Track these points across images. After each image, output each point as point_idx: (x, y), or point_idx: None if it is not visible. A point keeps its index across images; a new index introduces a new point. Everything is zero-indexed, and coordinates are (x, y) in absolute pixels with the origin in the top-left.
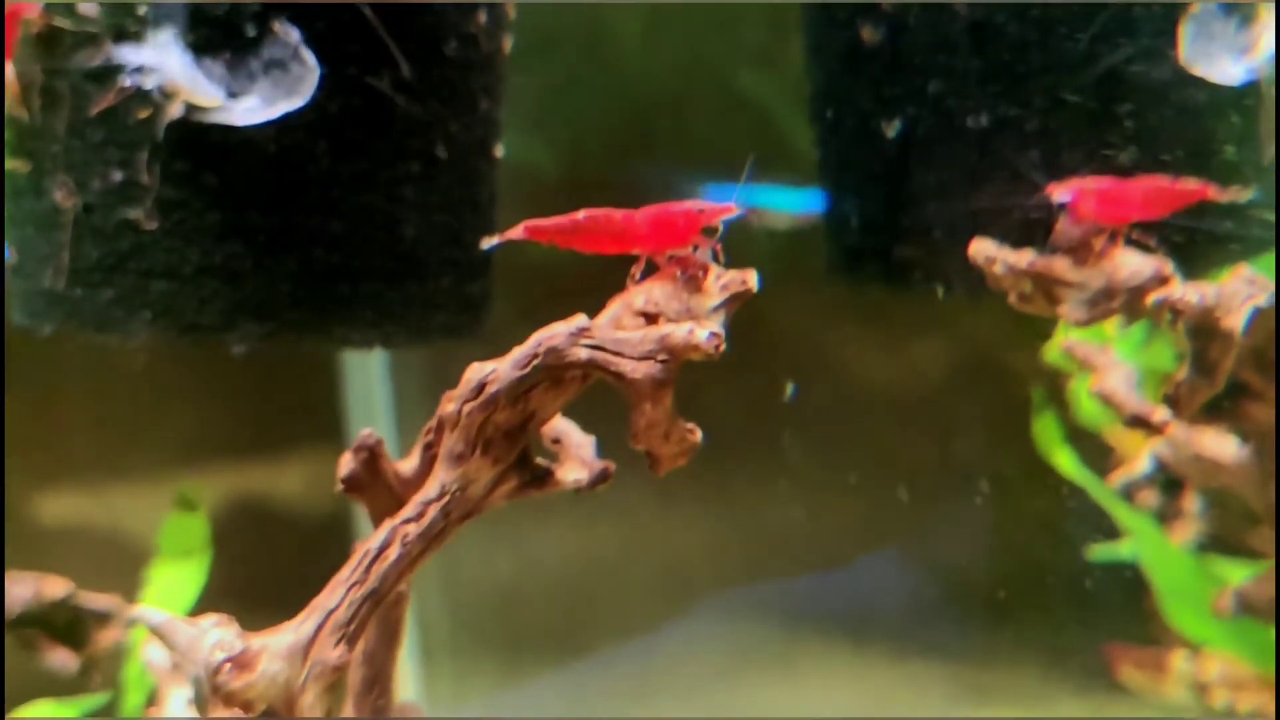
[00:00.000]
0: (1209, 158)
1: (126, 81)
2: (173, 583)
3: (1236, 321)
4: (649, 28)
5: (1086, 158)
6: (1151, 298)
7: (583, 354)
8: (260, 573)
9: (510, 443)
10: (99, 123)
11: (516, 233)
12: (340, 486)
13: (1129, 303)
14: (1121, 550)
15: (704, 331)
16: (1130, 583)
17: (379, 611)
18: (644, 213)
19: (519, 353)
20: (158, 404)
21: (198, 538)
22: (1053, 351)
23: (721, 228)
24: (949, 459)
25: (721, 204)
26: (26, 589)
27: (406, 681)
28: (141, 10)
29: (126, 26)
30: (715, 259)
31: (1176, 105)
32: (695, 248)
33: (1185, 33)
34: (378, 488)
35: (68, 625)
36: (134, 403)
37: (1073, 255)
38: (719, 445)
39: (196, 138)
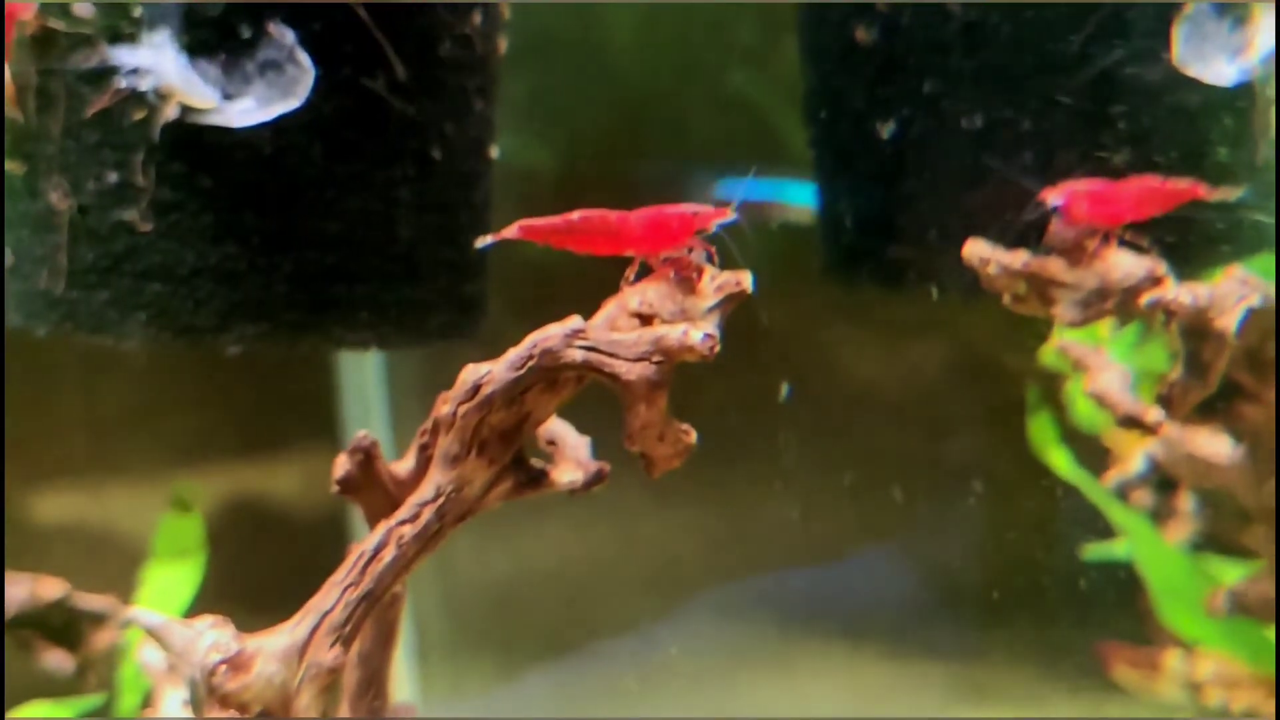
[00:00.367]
0: (1203, 158)
1: (122, 83)
2: (168, 583)
3: (1230, 322)
4: (643, 27)
5: (1081, 159)
6: (1145, 298)
7: (577, 355)
8: (255, 573)
9: (505, 444)
10: (94, 124)
11: (511, 232)
12: (336, 488)
13: (1122, 303)
14: (1116, 550)
15: (699, 333)
16: (1124, 582)
17: (374, 613)
18: (639, 214)
19: (514, 354)
20: (153, 404)
21: (193, 538)
22: (1049, 353)
23: (715, 230)
24: (944, 459)
25: (716, 207)
26: (22, 590)
27: (402, 681)
28: (136, 12)
29: (121, 28)
30: (710, 260)
31: (1170, 106)
32: (690, 249)
33: (1179, 34)
34: (373, 489)
35: (63, 626)
36: (129, 403)
37: (1067, 256)
38: (714, 446)
39: (192, 139)
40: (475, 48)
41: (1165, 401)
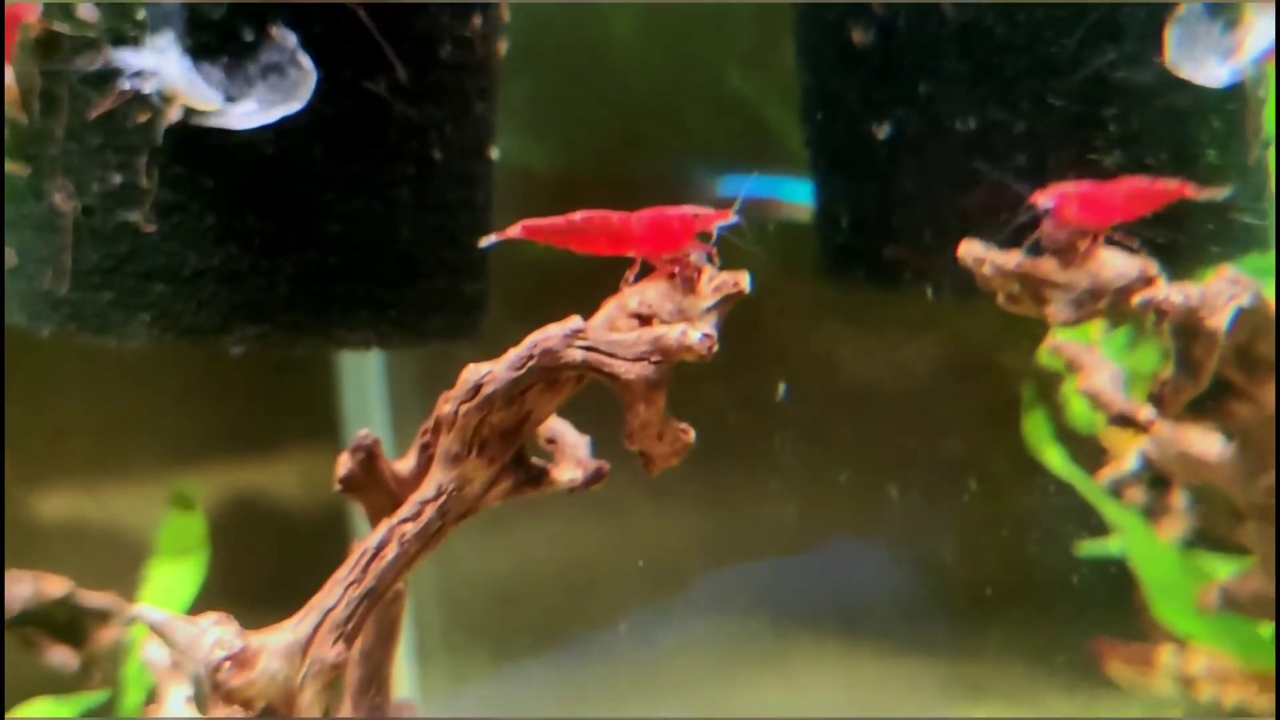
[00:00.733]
0: (1195, 159)
1: (125, 85)
2: (170, 581)
3: (1220, 321)
4: (641, 28)
5: (1074, 160)
6: (1137, 298)
7: (577, 355)
8: (256, 572)
9: (506, 443)
10: (98, 126)
11: (514, 232)
12: (338, 487)
13: (1115, 303)
14: (1110, 546)
15: (697, 333)
16: (1118, 579)
17: (376, 610)
18: (640, 216)
19: (514, 354)
20: (154, 404)
21: (195, 536)
22: (1045, 353)
23: (716, 232)
24: (940, 457)
25: (716, 210)
26: (26, 588)
27: (402, 678)
28: (140, 15)
29: (125, 31)
30: (709, 261)
31: (1162, 108)
32: (689, 251)
33: (1171, 36)
34: (375, 488)
35: (67, 624)
36: (130, 402)
37: (1059, 257)
38: (712, 444)
39: (195, 141)
40: (475, 50)
41: (1157, 400)
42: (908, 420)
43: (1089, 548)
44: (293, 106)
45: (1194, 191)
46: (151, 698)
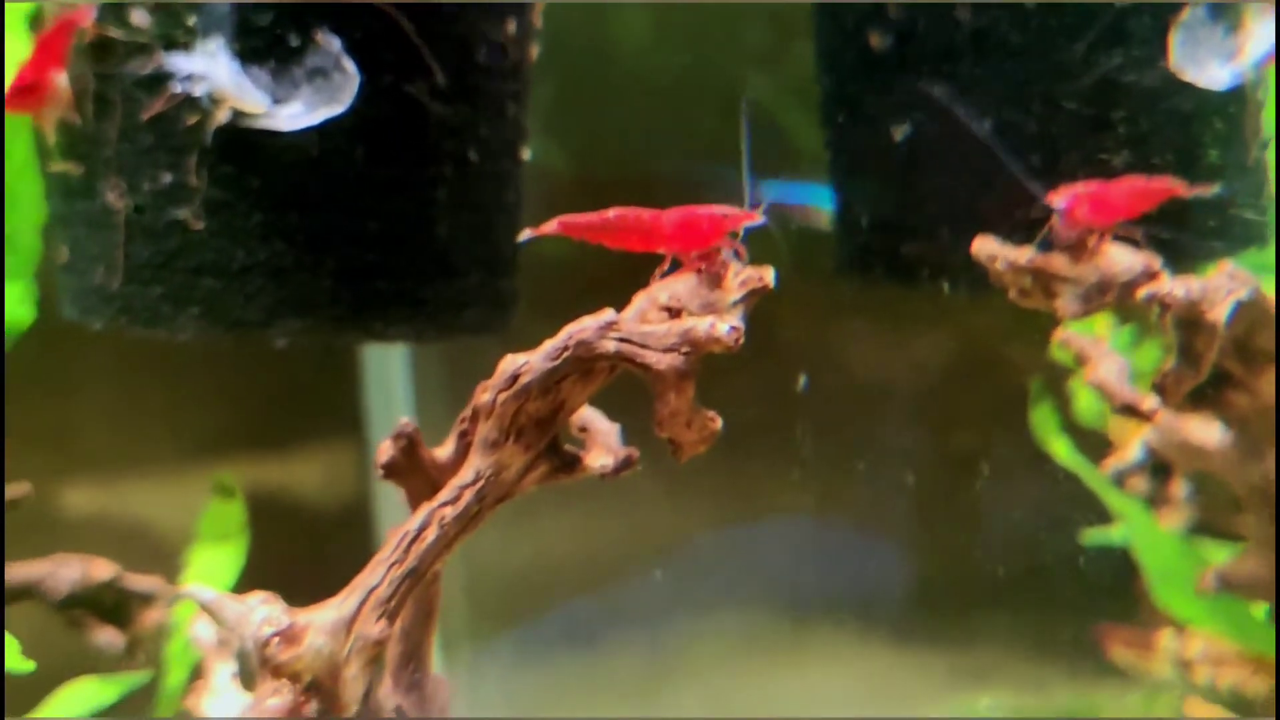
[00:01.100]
0: (1197, 159)
1: (176, 88)
2: (212, 566)
3: (1220, 314)
4: (661, 32)
5: (1083, 160)
6: (1141, 292)
7: (611, 346)
8: (281, 561)
9: (541, 430)
10: (149, 127)
11: (551, 228)
12: (380, 472)
13: (1120, 296)
14: (1113, 534)
15: (725, 325)
16: (1122, 566)
17: (416, 590)
18: (671, 214)
19: (550, 345)
20: (180, 399)
21: (235, 523)
22: (1056, 347)
23: (743, 232)
24: (952, 448)
25: (745, 210)
26: (75, 571)
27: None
28: (191, 20)
29: (176, 36)
30: (736, 257)
31: (1167, 109)
32: (718, 248)
33: (1175, 39)
34: (415, 473)
35: (113, 606)
36: (157, 398)
37: (1069, 252)
38: (733, 435)
39: (242, 142)
40: (509, 54)
41: (1160, 390)
42: (921, 412)
43: (1093, 536)
44: (336, 109)
45: (1185, 189)
46: (196, 674)
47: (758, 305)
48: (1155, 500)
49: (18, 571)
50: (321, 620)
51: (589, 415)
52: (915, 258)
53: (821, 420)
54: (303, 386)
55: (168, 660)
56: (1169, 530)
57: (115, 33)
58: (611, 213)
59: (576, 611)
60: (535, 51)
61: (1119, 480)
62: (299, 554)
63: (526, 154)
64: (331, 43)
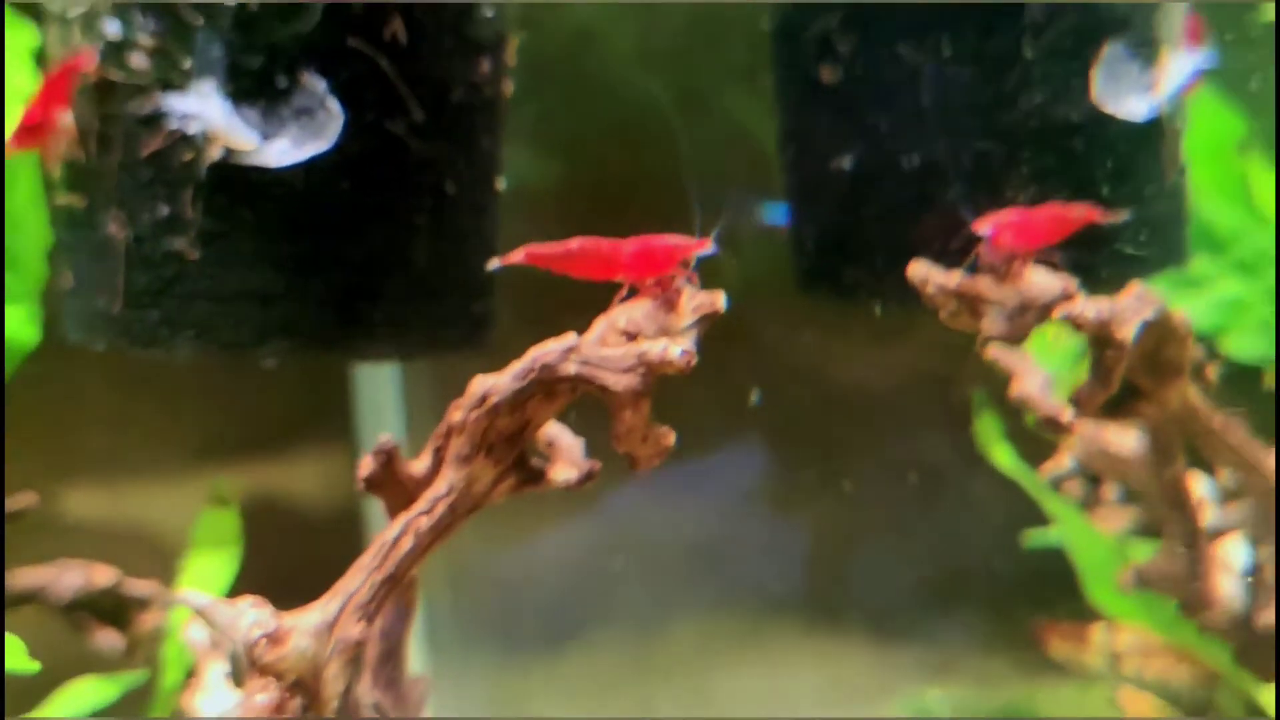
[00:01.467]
0: (1118, 186)
1: (173, 127)
2: (206, 572)
3: (1128, 333)
4: (641, 52)
5: (1015, 188)
6: (1058, 313)
7: (572, 369)
8: (274, 566)
9: (510, 446)
10: (148, 163)
11: (518, 257)
12: (361, 485)
13: (1040, 317)
14: (1051, 536)
15: (677, 349)
16: (1067, 565)
17: (393, 594)
18: (629, 244)
19: (517, 367)
20: (179, 408)
21: (230, 531)
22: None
23: (695, 260)
24: (909, 455)
25: (697, 240)
26: (78, 577)
27: (414, 661)
28: (186, 64)
29: (173, 78)
30: (689, 283)
31: (1091, 140)
32: (672, 275)
33: (1097, 75)
34: (394, 486)
35: (113, 609)
36: (156, 407)
37: (993, 275)
38: (698, 447)
39: (234, 177)
40: (484, 92)
41: (1076, 403)
42: (876, 421)
43: (1034, 537)
44: (322, 145)
45: (1101, 216)
46: (191, 674)
47: (718, 321)
48: (1089, 503)
49: (24, 577)
50: (305, 623)
51: (554, 431)
52: (856, 280)
53: (782, 429)
54: (296, 396)
55: (164, 660)
56: (1099, 531)
57: (116, 75)
58: (574, 243)
59: (558, 610)
60: (509, 86)
61: (1055, 485)
62: (293, 556)
63: (501, 184)
64: (317, 84)
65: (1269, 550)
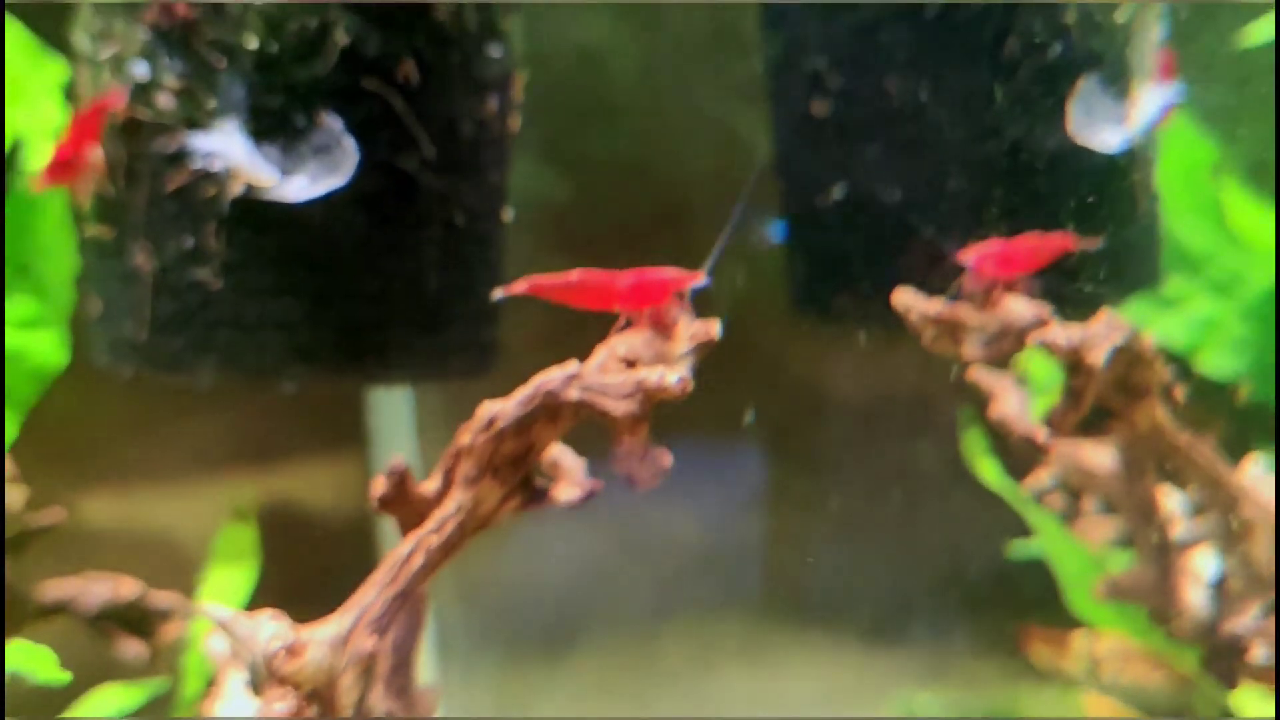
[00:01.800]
0: (1093, 215)
1: (197, 163)
2: (227, 583)
3: (1098, 357)
4: (646, 73)
5: (996, 217)
6: (1032, 338)
7: (574, 395)
8: (292, 576)
9: (515, 468)
10: (173, 198)
11: (521, 287)
12: (375, 505)
13: (1016, 342)
14: (1033, 546)
15: (673, 376)
16: (1049, 574)
17: (405, 608)
18: (626, 276)
19: (522, 394)
20: (198, 421)
21: (249, 545)
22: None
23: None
24: (901, 468)
25: (690, 272)
26: (106, 588)
27: (424, 669)
28: (210, 104)
29: (197, 117)
30: (685, 313)
31: (1068, 170)
32: (668, 306)
33: (1073, 108)
34: (405, 505)
35: (137, 620)
36: (176, 419)
37: (973, 303)
38: (696, 458)
39: (255, 210)
40: (492, 128)
41: (1050, 424)
42: (871, 435)
43: (1017, 548)
44: (338, 181)
45: (1075, 244)
46: (211, 683)
47: (721, 339)
48: (1071, 516)
49: (53, 589)
50: (321, 636)
51: (558, 452)
52: (845, 305)
53: (781, 441)
54: (313, 415)
55: (185, 669)
56: (1078, 542)
57: (144, 114)
58: (574, 275)
59: (562, 617)
60: (517, 122)
61: (1038, 498)
62: (308, 567)
63: (508, 215)
64: (333, 123)
65: (1234, 561)
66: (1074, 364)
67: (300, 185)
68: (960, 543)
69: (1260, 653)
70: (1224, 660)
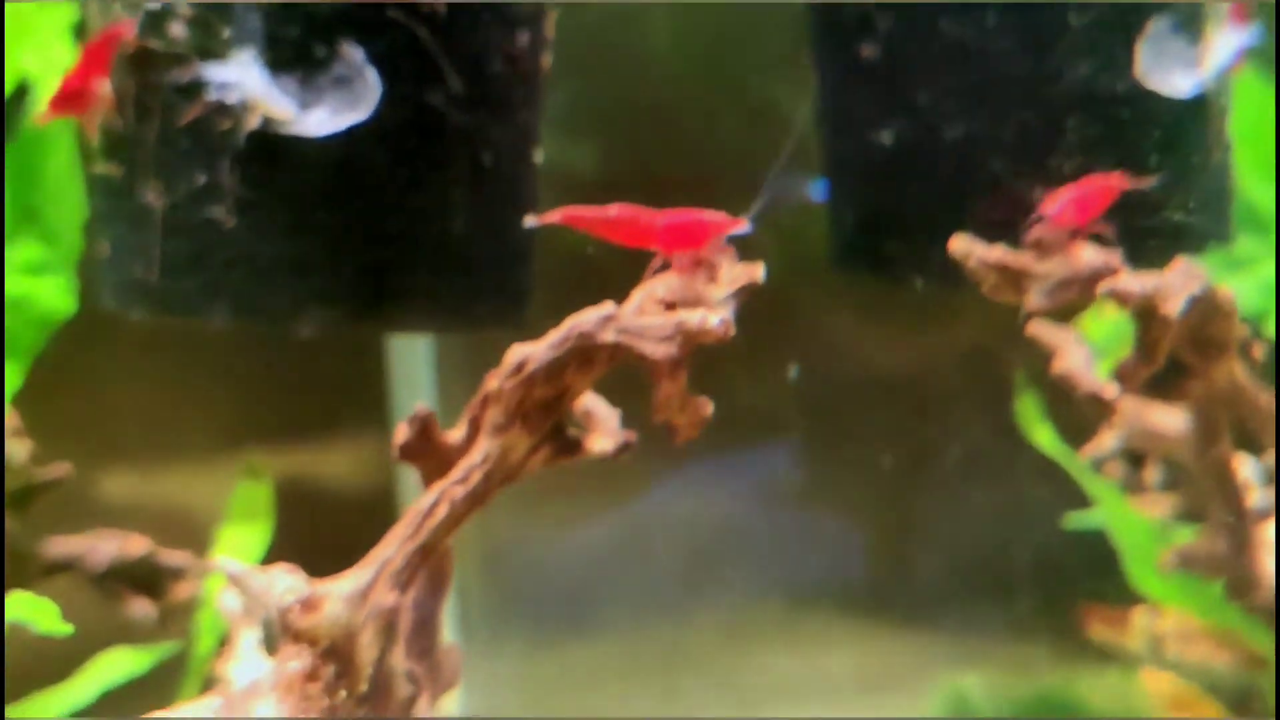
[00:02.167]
0: (1161, 163)
1: (211, 96)
2: (240, 543)
3: (1173, 308)
4: (680, 37)
5: (1057, 165)
6: (1101, 287)
7: (610, 337)
8: (308, 543)
9: (545, 415)
10: (186, 132)
11: (555, 217)
12: (396, 454)
13: (1083, 291)
14: (1092, 518)
15: (715, 318)
16: (1108, 547)
17: (428, 563)
18: (666, 216)
19: (554, 336)
20: (213, 389)
21: (263, 503)
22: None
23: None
24: (947, 436)
25: (733, 218)
26: (113, 545)
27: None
28: (225, 33)
29: (211, 47)
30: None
31: (1137, 115)
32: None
33: (1142, 50)
34: (429, 455)
35: (147, 579)
36: (191, 388)
37: (1036, 250)
38: (734, 424)
39: (271, 146)
40: (522, 64)
41: (1119, 378)
42: (913, 402)
43: (1074, 520)
44: (359, 115)
45: (1136, 183)
46: (224, 642)
47: (754, 296)
48: (1130, 487)
49: (59, 545)
50: (339, 590)
51: (591, 401)
52: (896, 255)
53: (815, 409)
54: (330, 376)
55: (198, 629)
56: (1141, 513)
57: (155, 44)
58: (613, 209)
59: (590, 593)
60: (548, 60)
61: (1097, 466)
62: (325, 535)
63: (539, 156)
64: (355, 54)
65: None
66: (1147, 314)
67: (320, 119)
68: (1010, 515)
69: None
70: None
